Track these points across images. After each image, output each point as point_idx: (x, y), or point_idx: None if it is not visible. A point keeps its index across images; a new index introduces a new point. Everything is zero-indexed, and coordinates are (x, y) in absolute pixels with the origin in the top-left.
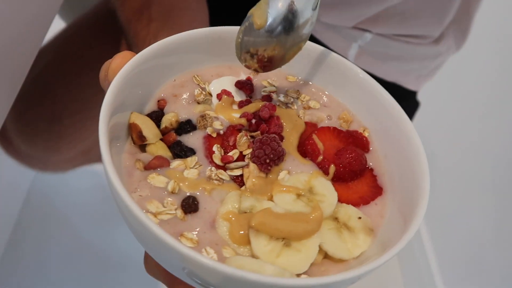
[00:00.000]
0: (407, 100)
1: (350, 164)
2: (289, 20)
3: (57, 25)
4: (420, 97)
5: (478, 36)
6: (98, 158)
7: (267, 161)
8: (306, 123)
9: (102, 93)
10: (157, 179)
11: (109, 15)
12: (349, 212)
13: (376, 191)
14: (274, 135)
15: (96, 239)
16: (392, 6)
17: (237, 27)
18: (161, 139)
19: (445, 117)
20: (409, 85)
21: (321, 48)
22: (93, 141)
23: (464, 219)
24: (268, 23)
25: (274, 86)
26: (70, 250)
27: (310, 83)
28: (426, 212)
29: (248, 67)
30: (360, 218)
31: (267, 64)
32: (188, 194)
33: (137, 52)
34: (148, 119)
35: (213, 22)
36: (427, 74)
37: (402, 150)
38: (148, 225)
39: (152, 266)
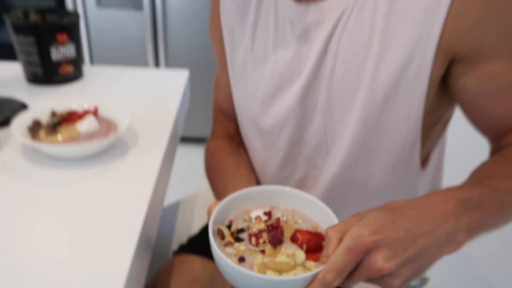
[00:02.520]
0: None
1: (311, 244)
2: None
3: None
4: None
5: None
6: None
7: (275, 242)
8: (295, 229)
9: None
10: (228, 249)
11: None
12: (310, 263)
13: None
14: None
15: None
16: None
17: (271, 186)
18: (231, 235)
19: None
20: None
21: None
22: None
23: None
24: None
25: (281, 215)
26: None
27: (297, 210)
28: None
29: None
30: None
31: None
32: (241, 255)
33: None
34: (226, 228)
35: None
36: None
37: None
38: (229, 263)
39: None
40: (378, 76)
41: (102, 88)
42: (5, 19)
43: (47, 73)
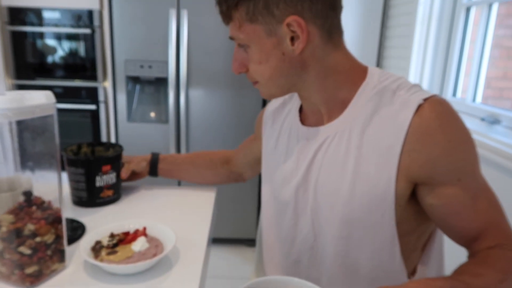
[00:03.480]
0: None
1: None
2: None
3: None
4: None
5: None
6: None
7: None
8: None
9: None
10: None
11: None
12: None
13: None
14: None
15: None
16: None
17: (282, 277)
18: None
19: None
20: None
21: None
22: None
23: None
24: None
25: None
26: None
27: None
28: None
29: None
30: None
31: None
32: None
33: None
34: None
35: None
36: None
37: None
38: None
39: None
40: (355, 188)
41: (138, 209)
42: (62, 154)
43: (90, 197)
